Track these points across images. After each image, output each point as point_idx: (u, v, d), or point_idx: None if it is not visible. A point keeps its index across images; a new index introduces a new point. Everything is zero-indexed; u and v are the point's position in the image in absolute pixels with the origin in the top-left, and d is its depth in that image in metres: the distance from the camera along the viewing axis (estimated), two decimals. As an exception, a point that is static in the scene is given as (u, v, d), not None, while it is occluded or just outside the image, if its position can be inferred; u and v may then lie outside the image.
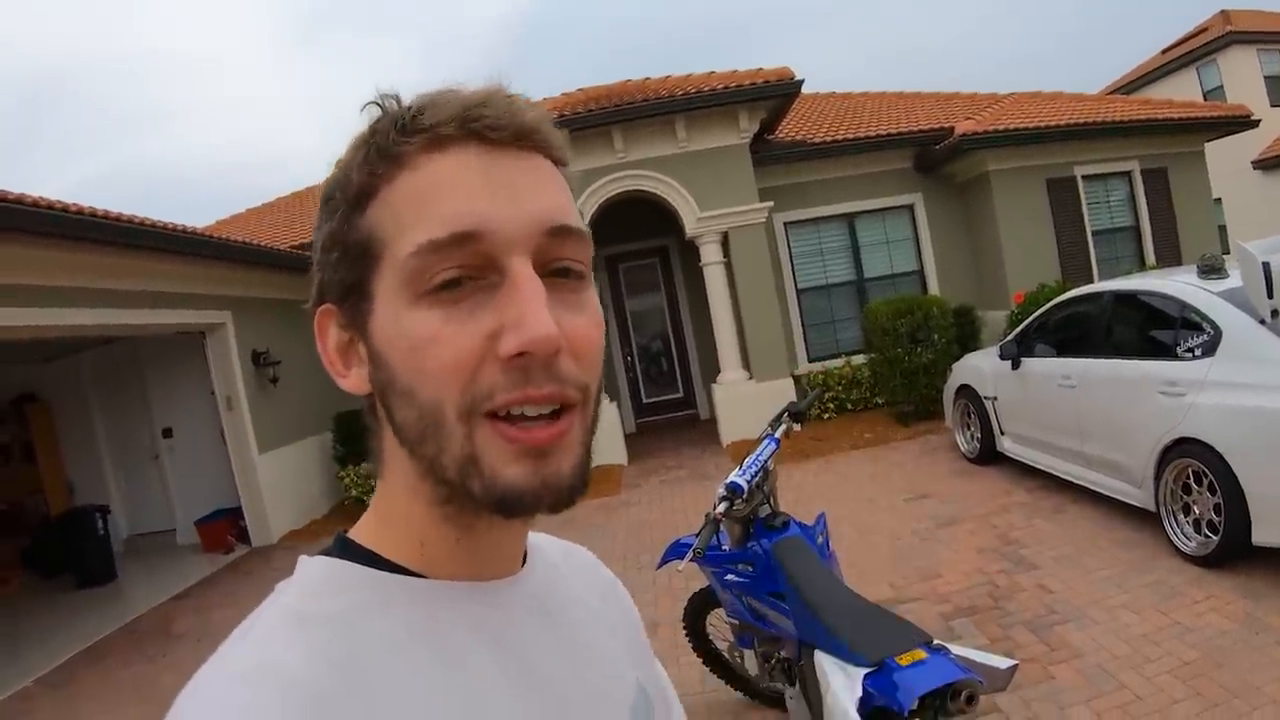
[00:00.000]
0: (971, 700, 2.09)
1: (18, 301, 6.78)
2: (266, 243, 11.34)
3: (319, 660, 0.57)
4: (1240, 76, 21.58)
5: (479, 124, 0.62)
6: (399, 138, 0.62)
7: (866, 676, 2.20)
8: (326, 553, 0.69)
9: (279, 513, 9.97)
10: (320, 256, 0.67)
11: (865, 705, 2.14)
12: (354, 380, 0.67)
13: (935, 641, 2.26)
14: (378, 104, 0.65)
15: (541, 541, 0.85)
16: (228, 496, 10.26)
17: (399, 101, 0.65)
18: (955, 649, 2.24)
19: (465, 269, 0.59)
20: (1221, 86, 21.81)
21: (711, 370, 11.65)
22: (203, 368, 9.98)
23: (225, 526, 10.10)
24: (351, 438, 11.30)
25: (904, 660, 2.18)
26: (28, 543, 10.58)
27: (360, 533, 0.70)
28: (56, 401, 12.05)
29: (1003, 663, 2.29)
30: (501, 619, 0.70)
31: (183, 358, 10.62)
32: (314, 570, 0.67)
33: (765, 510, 3.09)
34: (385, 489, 0.70)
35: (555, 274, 0.63)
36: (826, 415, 11.37)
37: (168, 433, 11.45)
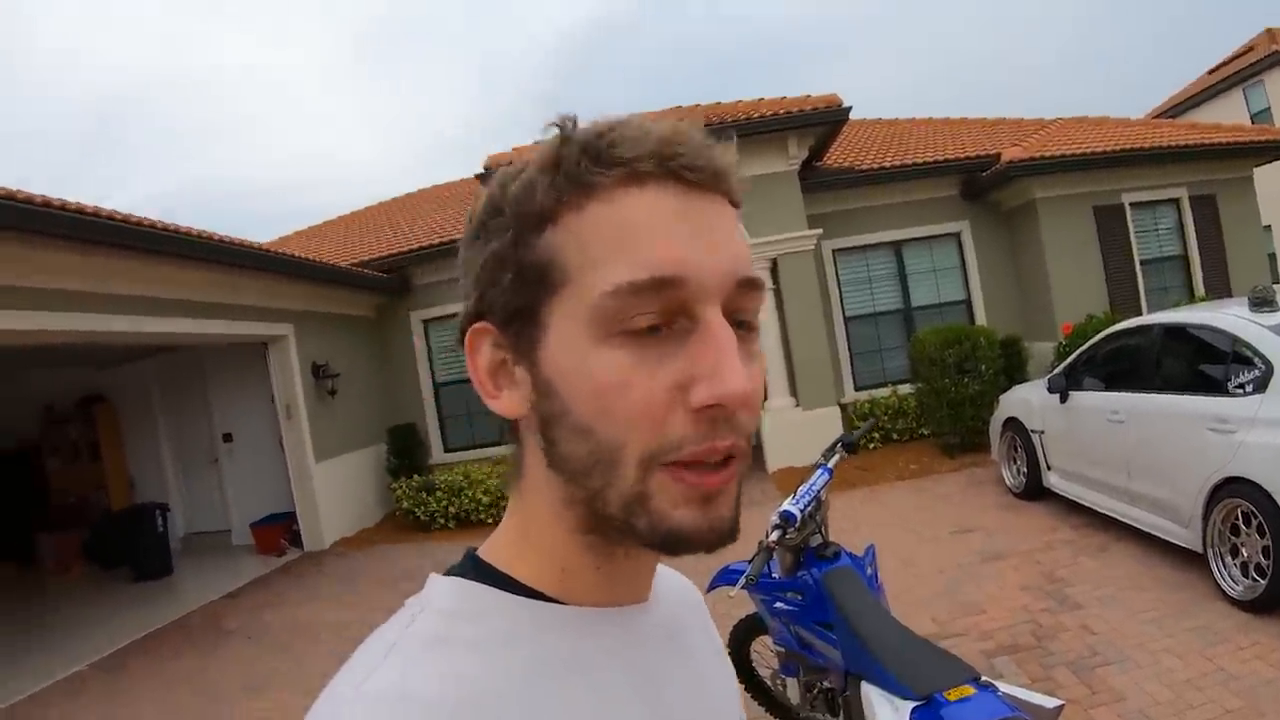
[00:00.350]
0: None
1: (99, 308, 7.14)
2: (328, 259, 11.71)
3: (464, 690, 0.57)
4: (1287, 97, 21.08)
5: (677, 163, 0.61)
6: (593, 167, 0.60)
7: (914, 710, 2.21)
8: (458, 572, 0.69)
9: (332, 519, 10.29)
10: (481, 274, 0.66)
11: None
12: (506, 403, 0.66)
13: (984, 678, 2.26)
14: (558, 126, 0.64)
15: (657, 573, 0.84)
16: (282, 501, 10.60)
17: (575, 123, 0.64)
18: (1002, 686, 2.25)
19: (660, 315, 0.58)
20: (1269, 108, 21.49)
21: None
22: (264, 377, 10.37)
23: (279, 530, 10.39)
24: (404, 450, 11.56)
25: (952, 695, 2.19)
26: (89, 534, 11.01)
27: (492, 553, 0.70)
28: (122, 403, 12.61)
29: (1049, 702, 2.28)
30: (636, 646, 0.70)
31: (245, 366, 11.00)
32: (449, 591, 0.66)
33: (817, 540, 3.09)
34: (522, 510, 0.69)
35: (736, 325, 0.62)
36: (872, 445, 11.30)
37: (228, 437, 11.84)
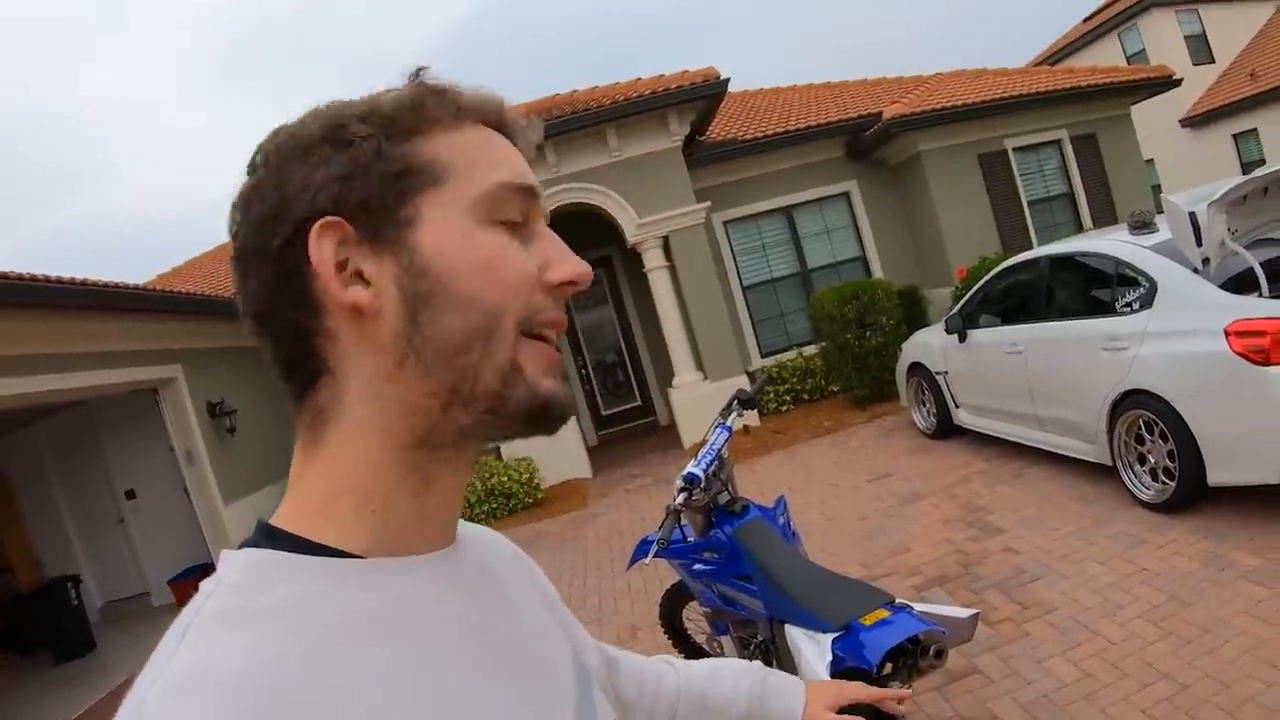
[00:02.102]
0: (940, 654, 2.12)
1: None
2: (212, 291, 11.22)
3: (264, 659, 0.55)
4: (1161, 39, 22.16)
5: (513, 129, 0.76)
6: (463, 100, 0.72)
7: (834, 640, 2.22)
8: (250, 543, 0.67)
9: None
10: (331, 174, 0.66)
11: (836, 668, 2.16)
12: (354, 296, 0.65)
13: (898, 600, 2.29)
14: (418, 71, 0.74)
15: (462, 527, 0.84)
16: (198, 552, 10.01)
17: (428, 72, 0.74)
18: (918, 605, 2.27)
19: (520, 215, 0.71)
20: (1144, 50, 22.37)
21: (667, 376, 11.67)
22: (159, 424, 9.74)
23: (198, 582, 9.77)
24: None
25: (868, 620, 2.21)
26: (2, 623, 10.22)
27: (287, 519, 0.68)
28: (13, 476, 11.68)
29: (964, 612, 2.33)
30: (446, 591, 0.70)
31: (138, 416, 10.40)
32: (242, 564, 0.64)
33: (724, 497, 3.10)
34: (328, 456, 0.68)
35: None
36: (785, 407, 11.44)
37: (130, 494, 11.22)
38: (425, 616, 0.66)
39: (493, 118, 0.73)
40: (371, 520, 0.66)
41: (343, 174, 0.66)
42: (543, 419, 0.68)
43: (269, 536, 0.66)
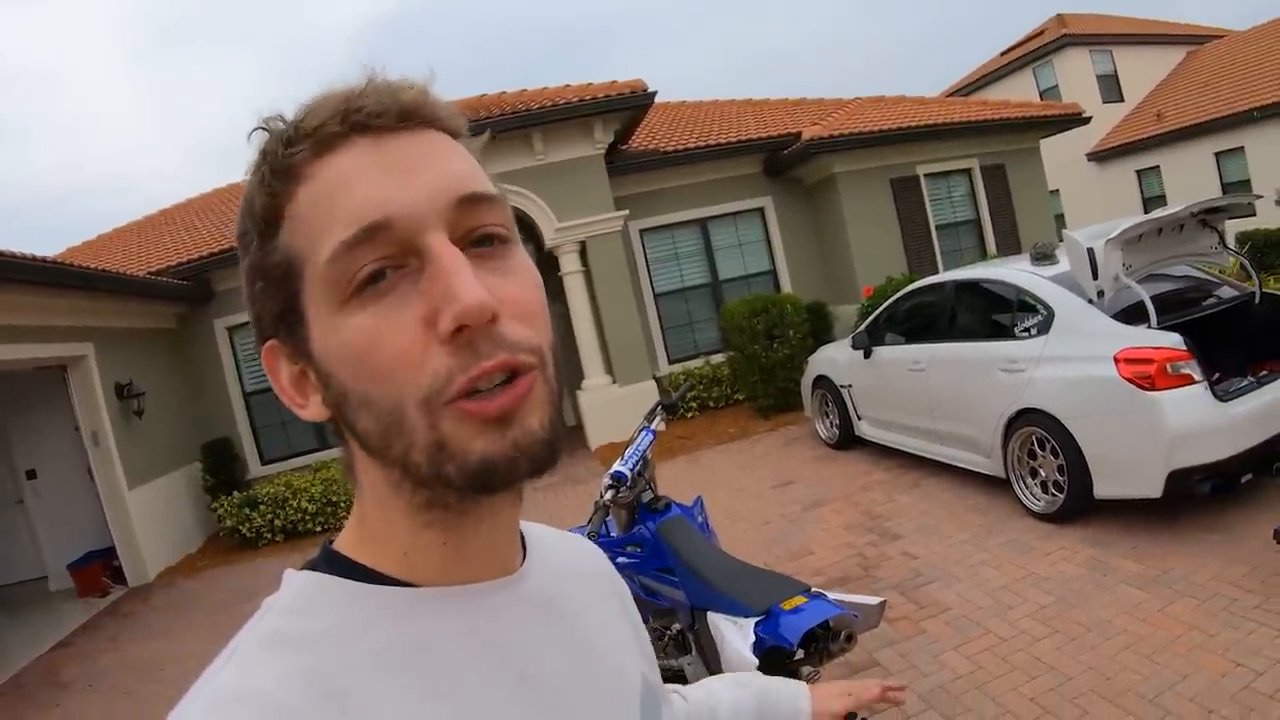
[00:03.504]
0: (850, 639, 2.30)
1: None
2: (122, 269, 10.82)
3: (300, 684, 0.56)
4: (1074, 76, 23.14)
5: (360, 115, 0.61)
6: (286, 151, 0.61)
7: (757, 624, 2.38)
8: (312, 566, 0.67)
9: (154, 549, 9.51)
10: (248, 294, 0.66)
11: (759, 649, 2.33)
12: (313, 409, 0.65)
13: (814, 589, 2.46)
14: (263, 128, 0.64)
15: (542, 532, 0.83)
16: (100, 537, 9.69)
17: (283, 120, 0.63)
18: (831, 594, 2.45)
19: (384, 260, 0.58)
20: (1057, 86, 23.33)
21: (575, 378, 11.75)
22: (65, 403, 9.42)
23: (99, 569, 9.48)
24: (220, 467, 10.88)
25: (787, 605, 2.37)
26: None
27: (345, 544, 0.68)
28: None
29: (872, 600, 2.51)
30: (496, 623, 0.68)
31: (44, 394, 10.02)
32: (297, 586, 0.64)
33: (648, 495, 3.26)
34: (361, 503, 0.68)
35: (477, 243, 0.62)
36: (690, 414, 11.58)
37: (31, 474, 10.65)
38: (469, 648, 0.64)
39: (334, 127, 0.61)
40: (406, 560, 0.66)
41: (252, 290, 0.66)
42: (489, 482, 0.59)
43: (329, 560, 0.67)
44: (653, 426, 3.46)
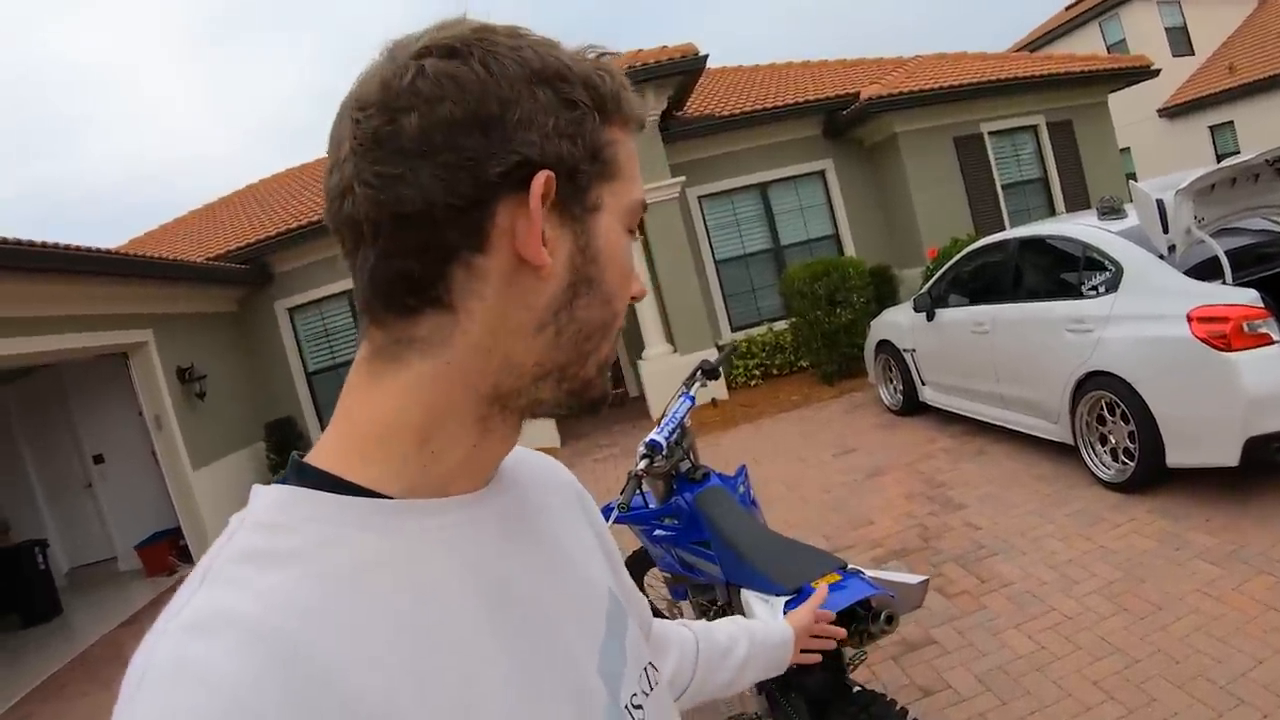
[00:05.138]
0: (891, 620, 2.16)
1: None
2: (183, 256, 11.11)
3: (279, 602, 0.55)
4: (1142, 29, 22.25)
5: (639, 122, 0.73)
6: (623, 108, 0.70)
7: (787, 603, 2.26)
8: (282, 480, 0.66)
9: (218, 528, 9.41)
10: (556, 124, 0.63)
11: None
12: (547, 251, 0.63)
13: (850, 565, 2.33)
14: (601, 54, 0.71)
15: (515, 456, 0.83)
16: (166, 518, 10.01)
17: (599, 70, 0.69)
18: (869, 571, 2.32)
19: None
20: (1124, 40, 22.47)
21: (637, 347, 11.68)
22: (128, 389, 9.71)
23: (166, 548, 9.82)
24: (284, 445, 11.11)
25: (820, 584, 2.25)
26: None
27: (322, 456, 0.66)
28: None
29: (914, 579, 2.40)
30: (474, 533, 0.69)
31: (108, 380, 10.35)
32: (271, 501, 0.63)
33: (686, 465, 3.13)
34: (396, 393, 0.66)
35: None
36: (754, 382, 11.51)
37: (99, 459, 11.08)
38: (446, 559, 0.65)
39: (634, 126, 0.73)
40: (419, 461, 0.66)
41: (567, 133, 0.64)
42: (599, 406, 0.74)
43: (300, 473, 0.66)
44: (691, 392, 3.33)
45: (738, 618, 1.35)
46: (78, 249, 7.81)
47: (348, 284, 11.89)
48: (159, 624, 0.54)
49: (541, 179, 0.62)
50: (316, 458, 0.66)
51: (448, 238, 0.62)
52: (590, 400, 0.73)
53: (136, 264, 8.99)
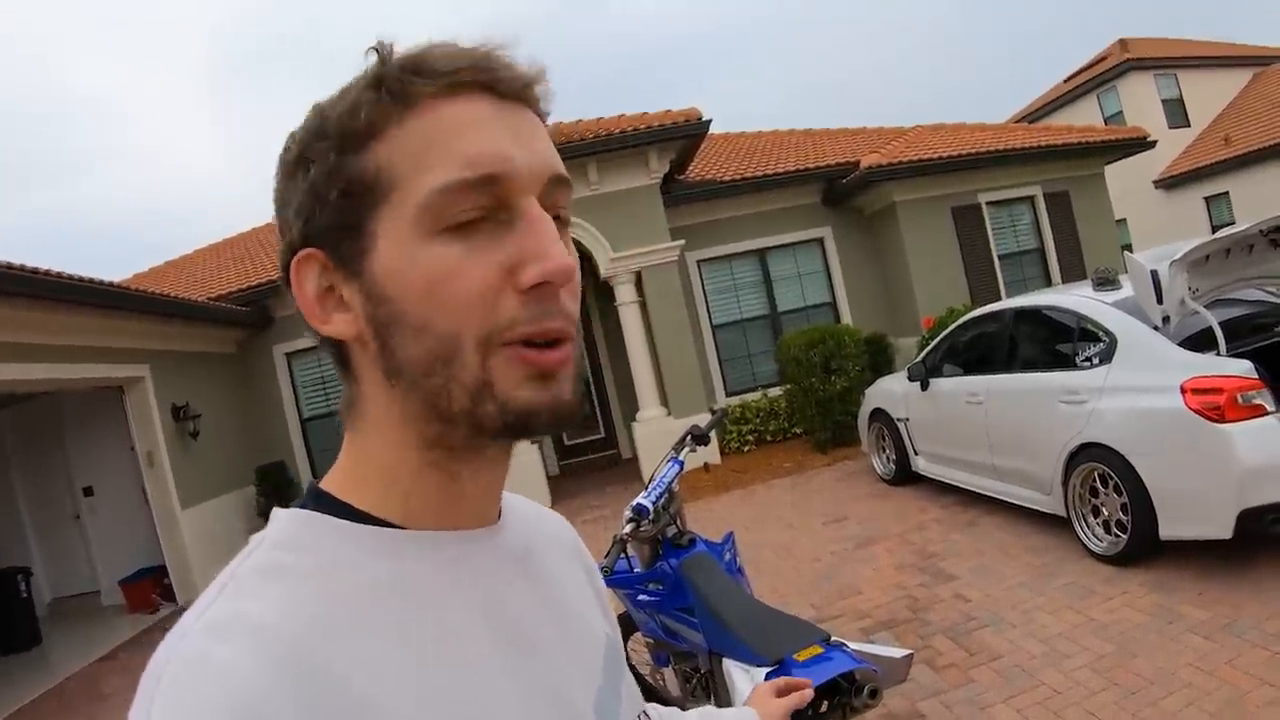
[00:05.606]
0: (874, 694, 2.11)
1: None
2: (185, 294, 11.20)
3: (296, 613, 0.57)
4: (1139, 101, 22.67)
5: (490, 75, 0.65)
6: (414, 79, 0.63)
7: (768, 675, 2.23)
8: (298, 504, 0.69)
9: (204, 569, 9.64)
10: (300, 201, 0.66)
11: None
12: (338, 325, 0.67)
13: (833, 638, 2.29)
14: (377, 50, 0.66)
15: (512, 498, 0.85)
16: (151, 555, 9.95)
17: (391, 49, 0.66)
18: (852, 644, 2.27)
19: (486, 208, 0.62)
20: (1121, 112, 22.88)
21: (631, 409, 11.65)
22: (122, 423, 9.74)
23: (150, 586, 9.74)
24: (274, 490, 11.12)
25: (802, 656, 2.22)
26: None
27: (334, 484, 0.70)
28: None
29: (898, 652, 2.34)
30: (480, 568, 0.71)
31: (102, 413, 10.35)
32: (288, 523, 0.66)
33: (672, 530, 3.11)
34: (360, 441, 0.70)
35: (552, 218, 0.67)
36: (747, 447, 11.45)
37: (88, 491, 11.08)
38: (452, 588, 0.67)
39: (467, 77, 0.64)
40: (400, 499, 0.68)
41: (308, 200, 0.65)
42: (522, 429, 0.64)
43: (316, 498, 0.69)
44: (680, 457, 3.30)
45: (707, 709, 1.25)
46: (80, 279, 7.89)
47: None
48: (180, 626, 0.57)
49: (292, 267, 0.67)
50: (330, 484, 0.70)
51: (312, 326, 0.69)
52: (495, 428, 0.64)
53: (138, 298, 9.04)
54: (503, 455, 0.73)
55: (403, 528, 0.67)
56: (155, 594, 9.65)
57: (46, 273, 7.32)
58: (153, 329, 9.56)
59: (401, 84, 0.63)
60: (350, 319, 0.66)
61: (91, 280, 8.16)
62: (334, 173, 0.64)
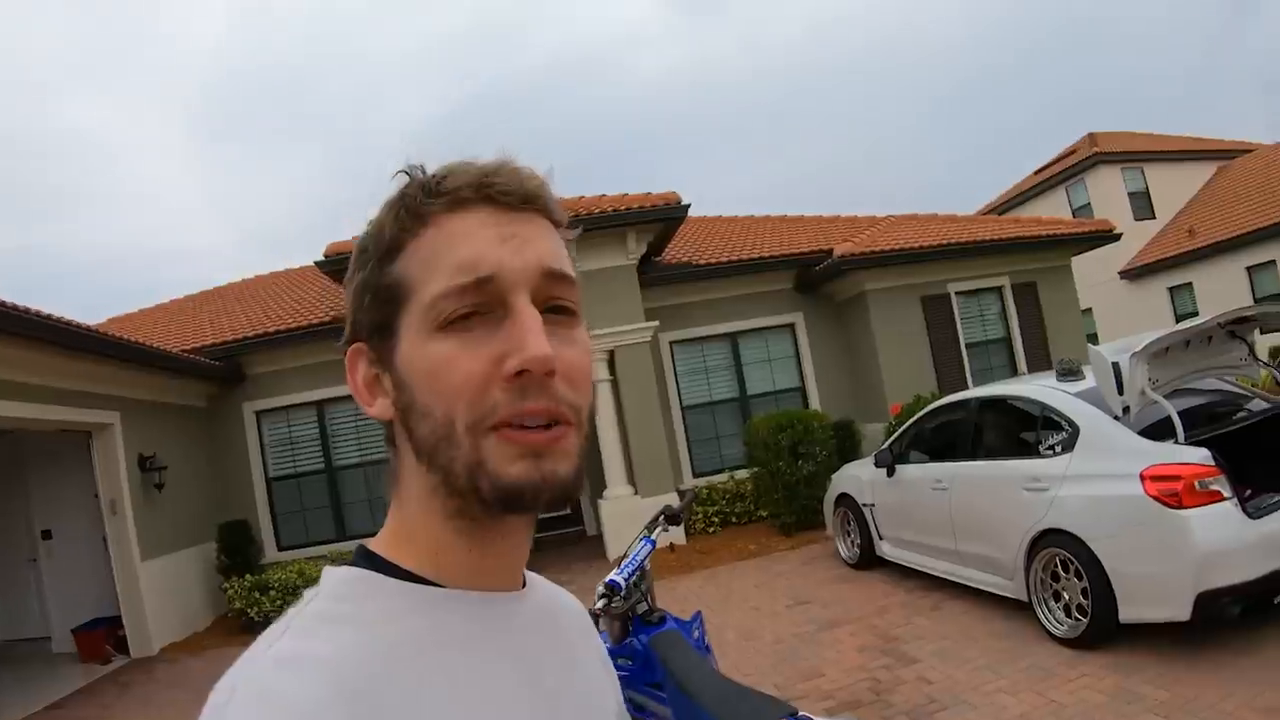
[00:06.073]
0: None
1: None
2: (160, 344, 11.06)
3: (353, 654, 0.63)
4: (1106, 193, 23.37)
5: (491, 189, 0.72)
6: (425, 199, 0.72)
7: None
8: (350, 563, 0.75)
9: (160, 623, 9.49)
10: (353, 302, 0.77)
11: None
12: (379, 408, 0.75)
13: (800, 713, 2.31)
14: (406, 172, 0.76)
15: (534, 576, 0.90)
16: (107, 604, 9.70)
17: (424, 170, 0.75)
18: (817, 718, 2.29)
19: (478, 305, 0.69)
20: (1089, 204, 23.57)
21: (598, 486, 11.61)
22: (87, 469, 9.56)
23: (103, 636, 9.46)
24: (236, 549, 10.92)
25: None
26: None
27: (380, 545, 0.76)
28: None
29: None
30: (513, 626, 0.77)
31: (67, 457, 10.16)
32: (341, 578, 0.73)
33: (643, 607, 3.12)
34: (401, 507, 0.77)
35: (551, 311, 0.72)
36: (712, 529, 11.40)
37: (47, 534, 10.75)
38: (488, 641, 0.73)
39: (468, 194, 0.73)
40: (437, 561, 0.74)
41: (356, 302, 0.76)
42: (515, 503, 0.69)
43: (366, 558, 0.75)
44: (652, 536, 3.34)
45: None
46: (53, 319, 7.79)
47: (318, 394, 11.79)
48: (246, 657, 0.63)
49: (347, 358, 0.77)
50: (377, 545, 0.77)
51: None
52: (492, 502, 0.68)
53: (110, 344, 8.93)
54: (523, 525, 0.78)
55: (442, 586, 0.73)
56: (109, 644, 9.39)
57: (16, 308, 7.22)
58: (125, 376, 9.48)
59: (416, 203, 0.73)
60: (388, 403, 0.74)
61: (65, 320, 8.08)
62: (371, 279, 0.74)
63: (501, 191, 0.73)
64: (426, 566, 0.73)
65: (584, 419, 0.73)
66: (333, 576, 0.73)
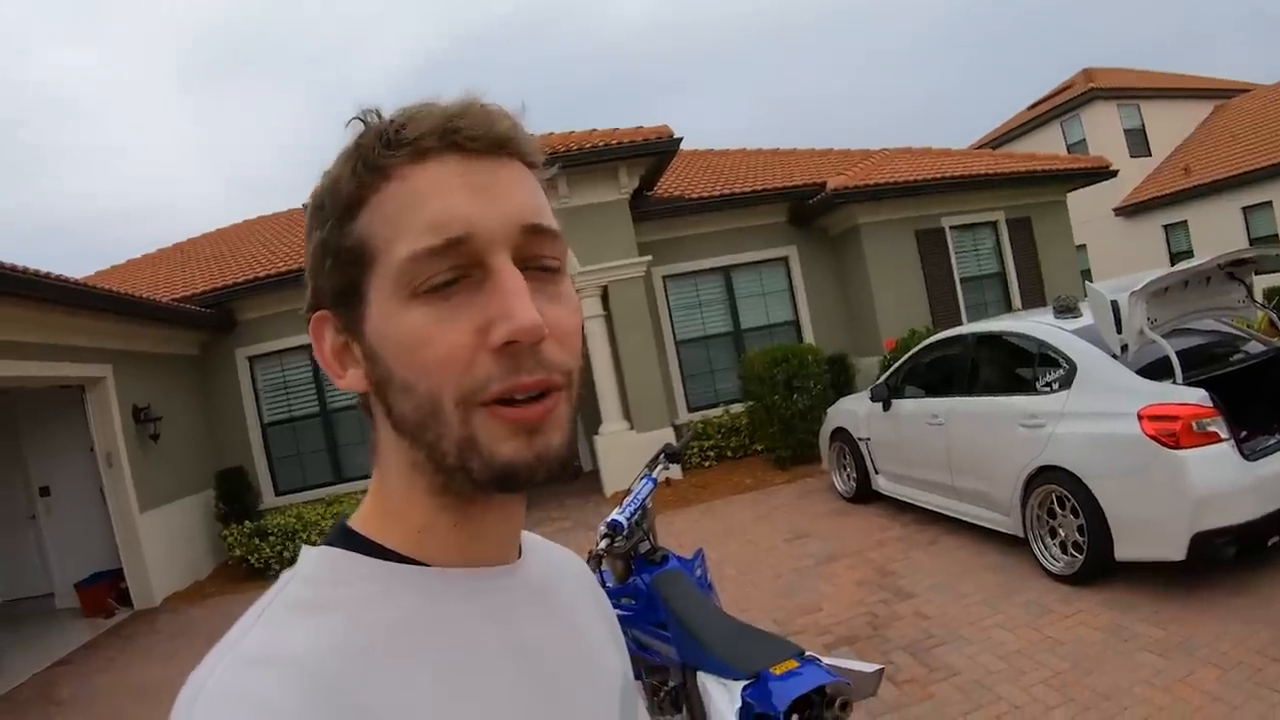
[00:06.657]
0: (845, 707, 2.18)
1: None
2: (148, 294, 10.98)
3: (328, 647, 0.60)
4: (1102, 130, 23.11)
5: (457, 135, 0.66)
6: (384, 151, 0.65)
7: (745, 688, 2.28)
8: (327, 541, 0.71)
9: (161, 574, 9.54)
10: (313, 265, 0.71)
11: (745, 714, 2.22)
12: (350, 379, 0.71)
13: (807, 653, 2.34)
14: (361, 119, 0.69)
15: (530, 538, 0.87)
16: (108, 558, 9.74)
17: (380, 116, 0.69)
18: (825, 659, 2.33)
19: (455, 270, 0.63)
20: (1084, 140, 23.32)
21: (593, 422, 11.65)
22: (82, 423, 9.54)
23: (105, 590, 9.54)
24: (234, 496, 10.95)
25: (778, 670, 2.26)
26: None
27: (361, 522, 0.72)
28: None
29: (869, 667, 2.42)
30: (504, 604, 0.73)
31: (61, 413, 10.14)
32: (318, 560, 0.69)
33: (645, 546, 3.16)
34: (382, 481, 0.73)
35: (533, 269, 0.67)
36: (707, 463, 11.48)
37: (45, 491, 10.74)
38: (478, 623, 0.70)
39: (432, 142, 0.66)
40: (422, 539, 0.70)
41: (315, 265, 0.70)
42: (509, 483, 0.65)
43: (345, 536, 0.71)
44: (654, 475, 3.37)
45: None
46: (41, 274, 7.73)
47: (309, 337, 12.13)
48: (213, 654, 0.59)
49: (310, 328, 0.72)
50: (358, 522, 0.72)
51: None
52: (482, 481, 0.65)
53: (99, 297, 8.87)
54: (514, 499, 0.73)
55: (428, 564, 0.69)
56: (111, 598, 9.46)
57: (12, 267, 7.19)
58: (115, 328, 9.42)
59: (374, 155, 0.66)
60: (360, 374, 0.69)
61: (53, 275, 8.01)
62: (330, 240, 0.68)
63: (469, 137, 0.66)
64: (411, 544, 0.70)
65: (575, 380, 0.69)
66: (310, 557, 0.69)
